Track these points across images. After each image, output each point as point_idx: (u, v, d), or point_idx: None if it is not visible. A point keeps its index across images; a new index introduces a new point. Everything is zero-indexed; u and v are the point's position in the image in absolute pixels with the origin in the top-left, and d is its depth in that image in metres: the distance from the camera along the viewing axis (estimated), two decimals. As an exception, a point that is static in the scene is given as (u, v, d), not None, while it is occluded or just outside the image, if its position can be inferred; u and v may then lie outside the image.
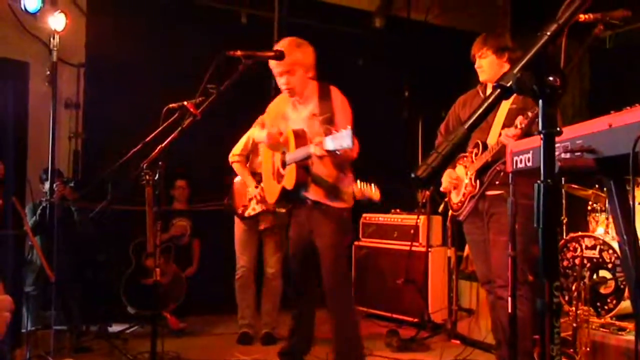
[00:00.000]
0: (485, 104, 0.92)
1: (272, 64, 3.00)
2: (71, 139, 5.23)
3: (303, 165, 2.95)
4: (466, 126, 0.91)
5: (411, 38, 6.30)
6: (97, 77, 5.30)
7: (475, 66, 3.19)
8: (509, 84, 0.90)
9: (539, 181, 0.91)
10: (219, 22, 5.66)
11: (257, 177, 4.28)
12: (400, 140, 6.02)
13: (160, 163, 2.79)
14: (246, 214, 4.24)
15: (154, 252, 2.87)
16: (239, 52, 2.80)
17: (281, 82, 3.03)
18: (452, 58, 6.40)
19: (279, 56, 2.95)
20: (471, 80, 3.44)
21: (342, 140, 2.58)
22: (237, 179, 4.38)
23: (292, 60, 2.98)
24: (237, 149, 4.32)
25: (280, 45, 3.01)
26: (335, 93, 3.06)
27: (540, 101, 0.92)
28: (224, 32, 5.50)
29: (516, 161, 1.80)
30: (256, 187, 4.21)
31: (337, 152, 2.65)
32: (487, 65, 3.12)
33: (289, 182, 2.99)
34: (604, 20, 2.33)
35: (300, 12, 5.80)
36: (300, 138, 2.96)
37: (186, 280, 4.81)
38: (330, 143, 2.66)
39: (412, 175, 0.90)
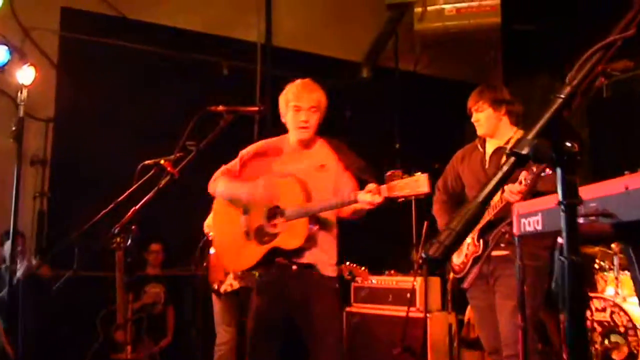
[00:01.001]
0: (500, 174, 0.88)
1: (305, 93, 2.93)
2: (36, 199, 5.16)
3: (320, 221, 2.81)
4: (480, 199, 0.88)
5: (400, 88, 6.43)
6: (67, 132, 5.29)
7: (472, 120, 3.21)
8: (524, 152, 0.87)
9: (562, 257, 0.87)
10: (198, 74, 5.75)
11: None
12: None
13: (133, 227, 2.71)
14: (222, 290, 4.14)
15: (125, 324, 2.75)
16: (220, 107, 2.76)
17: (301, 119, 2.91)
18: (443, 108, 6.56)
19: (262, 111, 2.93)
20: (466, 131, 3.45)
21: (416, 186, 2.45)
22: (213, 251, 4.32)
23: (323, 100, 2.97)
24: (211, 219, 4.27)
25: (307, 83, 2.98)
26: (335, 141, 3.05)
27: (559, 169, 0.88)
28: (204, 85, 5.55)
29: (524, 224, 1.76)
30: None
31: (399, 199, 2.54)
32: (485, 118, 3.15)
33: (294, 240, 2.77)
34: (606, 72, 2.35)
35: (284, 63, 5.90)
36: (307, 191, 2.84)
37: (160, 356, 4.65)
38: (398, 190, 2.53)
39: (424, 256, 0.86)
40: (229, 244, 3.00)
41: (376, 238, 5.27)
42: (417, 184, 2.42)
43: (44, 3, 5.37)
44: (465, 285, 3.08)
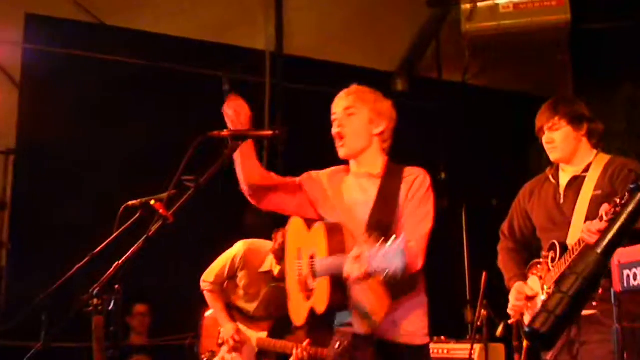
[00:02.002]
0: (624, 215, 0.81)
1: (338, 98, 2.96)
2: (-7, 251, 5.17)
3: (340, 283, 2.73)
4: (599, 250, 0.80)
5: (444, 104, 6.43)
6: (31, 167, 5.33)
7: (544, 141, 3.14)
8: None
9: None
10: (194, 90, 5.80)
11: (234, 312, 4.24)
12: (438, 238, 5.94)
13: (116, 286, 2.64)
14: None
15: (105, 411, 2.67)
16: (225, 132, 2.75)
17: (334, 131, 2.96)
18: (500, 128, 6.55)
19: (278, 136, 2.89)
20: (530, 157, 3.40)
21: (390, 258, 2.33)
22: (208, 313, 4.34)
23: (367, 99, 2.97)
24: (211, 274, 4.29)
25: (362, 90, 2.98)
26: (414, 170, 2.98)
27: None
28: (202, 103, 5.55)
29: (627, 277, 1.67)
30: (235, 328, 4.14)
31: (385, 274, 2.39)
32: (561, 139, 3.07)
33: (320, 303, 2.78)
34: None
35: (298, 75, 5.93)
36: (336, 237, 2.82)
37: None
38: (375, 260, 2.42)
39: (527, 330, 0.78)
40: (290, 286, 3.12)
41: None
42: (391, 249, 2.36)
43: (3, 8, 5.42)
44: (549, 356, 2.96)
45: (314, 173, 3.10)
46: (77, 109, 5.34)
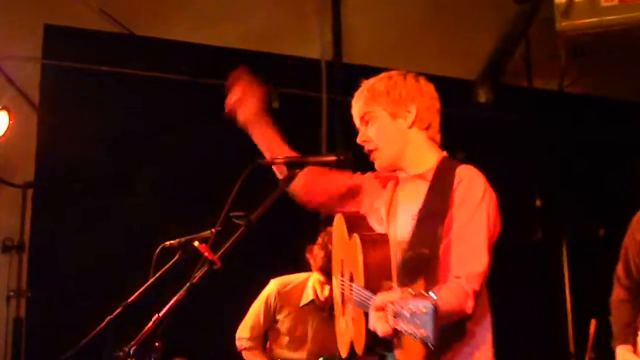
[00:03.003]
0: None
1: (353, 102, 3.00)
2: (10, 300, 5.25)
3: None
4: None
5: (537, 116, 6.39)
6: (52, 202, 5.42)
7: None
8: None
9: None
10: None
11: None
12: (531, 280, 5.87)
13: (156, 344, 2.67)
14: None
15: None
16: (281, 159, 2.77)
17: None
18: (605, 144, 6.41)
19: (344, 163, 2.90)
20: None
21: (420, 323, 2.09)
22: None
23: (379, 91, 2.95)
24: (245, 328, 4.36)
25: (369, 85, 2.95)
26: (465, 173, 2.88)
27: None
28: None
29: None
30: None
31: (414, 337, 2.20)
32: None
33: (358, 342, 2.74)
34: None
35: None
36: (374, 256, 2.74)
37: None
38: (400, 318, 2.22)
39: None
40: (336, 304, 3.13)
41: (512, 346, 5.12)
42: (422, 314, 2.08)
43: (19, 19, 5.54)
44: None
45: (375, 175, 3.09)
46: (104, 134, 5.44)
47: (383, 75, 2.95)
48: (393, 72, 2.96)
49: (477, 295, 2.57)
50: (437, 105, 2.93)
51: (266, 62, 6.06)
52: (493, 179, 6.60)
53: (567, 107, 6.50)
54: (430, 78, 6.29)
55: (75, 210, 5.29)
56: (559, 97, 6.55)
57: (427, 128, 2.87)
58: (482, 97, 6.48)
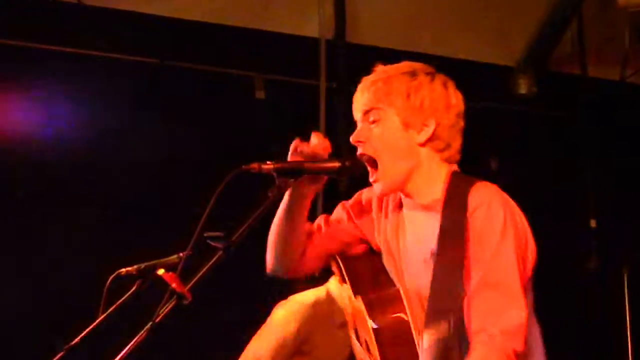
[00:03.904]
0: None
1: (358, 93, 2.99)
2: None
3: None
4: None
5: (591, 112, 6.41)
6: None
7: None
8: None
9: None
10: (216, 98, 5.90)
11: None
12: (585, 317, 5.89)
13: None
14: None
15: None
16: (269, 165, 2.74)
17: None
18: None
19: (351, 170, 2.88)
20: None
21: None
22: None
23: (399, 88, 2.94)
24: None
25: (385, 74, 2.96)
26: (479, 198, 2.86)
27: None
28: (226, 118, 5.74)
29: None
30: None
31: None
32: None
33: None
34: None
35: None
36: (387, 325, 2.86)
37: None
38: None
39: None
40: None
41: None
42: None
43: None
44: None
45: (363, 201, 3.17)
46: (38, 127, 5.47)
47: (405, 66, 2.97)
48: (418, 67, 2.98)
49: (520, 357, 2.58)
50: (461, 123, 2.94)
51: (249, 42, 6.08)
52: (535, 192, 6.62)
53: (630, 101, 6.50)
54: (458, 64, 6.37)
55: (5, 226, 5.26)
56: (620, 89, 6.55)
57: (442, 149, 2.90)
58: (523, 88, 6.49)
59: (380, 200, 3.09)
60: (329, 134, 5.77)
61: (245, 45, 6.03)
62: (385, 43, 6.22)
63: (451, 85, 2.95)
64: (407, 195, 2.92)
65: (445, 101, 2.89)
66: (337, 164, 2.87)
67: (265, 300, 4.45)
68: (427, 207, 2.87)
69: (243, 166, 2.69)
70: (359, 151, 2.91)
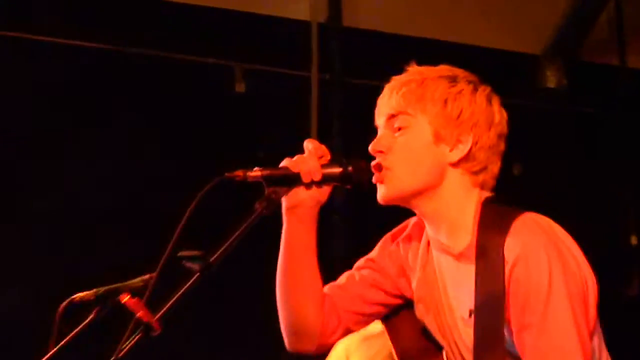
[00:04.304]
0: None
1: (385, 96, 2.94)
2: None
3: None
4: None
5: (632, 109, 6.45)
6: None
7: None
8: None
9: None
10: (187, 93, 5.93)
11: None
12: (627, 350, 5.87)
13: None
14: None
15: None
16: (257, 172, 2.75)
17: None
18: None
19: (353, 178, 2.90)
20: None
21: None
22: None
23: (438, 95, 2.88)
24: None
25: (402, 75, 2.95)
26: (517, 248, 2.83)
27: None
28: (201, 116, 5.77)
29: None
30: None
31: None
32: None
33: None
34: None
35: (372, 62, 5.99)
36: None
37: None
38: None
39: None
40: None
41: None
42: None
43: None
44: None
45: (391, 245, 3.12)
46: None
47: (444, 70, 2.94)
48: (459, 73, 2.94)
49: None
50: (502, 146, 2.91)
51: (227, 25, 6.12)
52: (564, 203, 6.66)
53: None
54: (472, 51, 6.41)
55: None
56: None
57: (477, 172, 2.87)
58: (551, 80, 6.54)
59: (410, 239, 3.08)
60: (321, 135, 5.89)
61: (223, 29, 6.04)
62: (387, 27, 6.25)
63: (496, 101, 2.91)
64: (430, 219, 2.90)
65: (488, 117, 2.87)
66: (338, 170, 2.86)
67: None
68: (459, 257, 2.85)
69: (225, 174, 2.69)
70: (374, 163, 2.86)
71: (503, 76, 6.07)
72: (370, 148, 2.88)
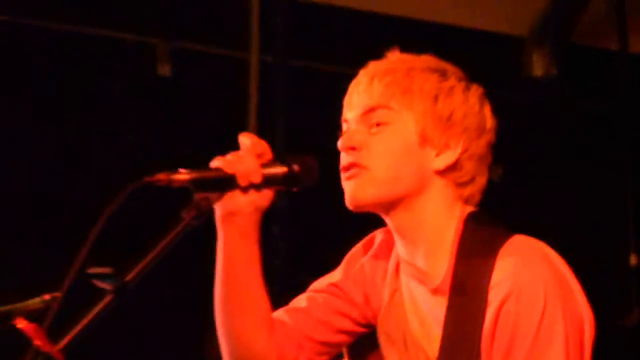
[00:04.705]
0: None
1: (359, 84, 2.90)
2: None
3: None
4: None
5: (632, 102, 6.50)
6: None
7: None
8: None
9: None
10: (97, 76, 5.94)
11: None
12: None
13: None
14: None
15: None
16: (184, 174, 2.75)
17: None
18: None
19: (299, 178, 2.91)
20: None
21: None
22: None
23: (424, 85, 2.85)
24: None
25: (379, 62, 2.95)
26: (507, 280, 2.82)
27: None
28: (114, 106, 5.79)
29: None
30: None
31: None
32: None
33: None
34: None
35: (323, 42, 6.05)
36: None
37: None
38: None
39: None
40: None
41: None
42: None
43: None
44: None
45: (355, 270, 3.08)
46: None
47: (431, 61, 2.93)
48: (448, 67, 2.93)
49: None
50: (490, 158, 2.93)
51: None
52: (553, 214, 6.75)
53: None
54: (445, 31, 6.46)
55: None
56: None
57: (464, 184, 2.88)
58: (538, 67, 6.59)
59: (376, 258, 3.07)
60: (262, 128, 5.92)
61: (143, 1, 6.08)
62: (344, 1, 6.28)
63: (488, 105, 2.93)
64: (402, 234, 2.88)
65: (480, 121, 2.88)
66: (281, 170, 2.80)
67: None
68: (435, 291, 2.83)
69: (145, 177, 2.63)
70: (344, 162, 2.84)
71: (483, 62, 6.14)
72: (340, 144, 2.85)
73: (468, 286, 2.75)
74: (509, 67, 6.60)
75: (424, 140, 2.82)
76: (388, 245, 3.02)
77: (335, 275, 3.12)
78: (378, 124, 2.84)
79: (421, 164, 2.84)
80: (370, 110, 2.84)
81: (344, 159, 2.83)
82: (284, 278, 4.11)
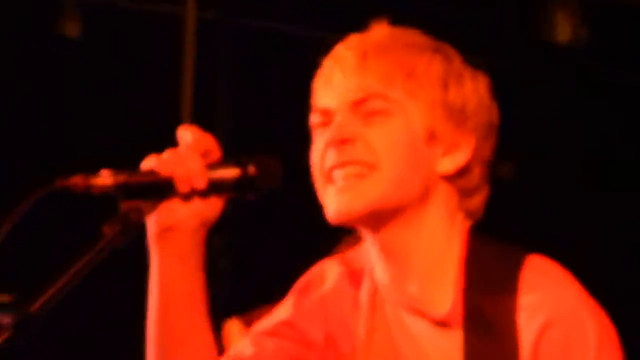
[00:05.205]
0: None
1: (343, 62, 2.86)
2: None
3: None
4: None
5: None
6: None
7: None
8: None
9: None
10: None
11: None
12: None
13: None
14: None
15: None
16: (106, 178, 2.69)
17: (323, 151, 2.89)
18: None
19: (255, 184, 2.86)
20: None
21: None
22: None
23: (427, 67, 2.78)
24: None
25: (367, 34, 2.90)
26: (547, 309, 2.82)
27: None
28: (10, 77, 5.70)
29: None
30: None
31: None
32: None
33: None
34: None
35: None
36: None
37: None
38: None
39: None
40: None
41: None
42: None
43: None
44: None
45: (309, 306, 3.03)
46: None
47: (428, 41, 2.84)
48: (447, 48, 2.82)
49: None
50: (491, 160, 2.91)
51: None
52: (573, 219, 6.82)
53: None
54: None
55: None
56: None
57: (470, 193, 2.87)
58: (564, 31, 6.56)
59: (338, 290, 3.01)
60: (200, 105, 5.91)
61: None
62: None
63: (493, 97, 2.85)
64: (389, 254, 2.82)
65: (491, 117, 2.85)
66: (233, 172, 2.71)
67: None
68: (440, 323, 2.81)
69: (57, 181, 2.62)
70: (336, 159, 2.75)
71: (490, 25, 6.18)
72: (329, 136, 2.74)
73: (487, 316, 2.80)
74: (528, 31, 6.62)
75: (432, 136, 2.77)
76: (353, 274, 3.02)
77: (283, 311, 3.08)
78: (372, 113, 2.78)
79: (428, 165, 2.81)
80: (362, 100, 2.77)
81: (334, 157, 2.73)
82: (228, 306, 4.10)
